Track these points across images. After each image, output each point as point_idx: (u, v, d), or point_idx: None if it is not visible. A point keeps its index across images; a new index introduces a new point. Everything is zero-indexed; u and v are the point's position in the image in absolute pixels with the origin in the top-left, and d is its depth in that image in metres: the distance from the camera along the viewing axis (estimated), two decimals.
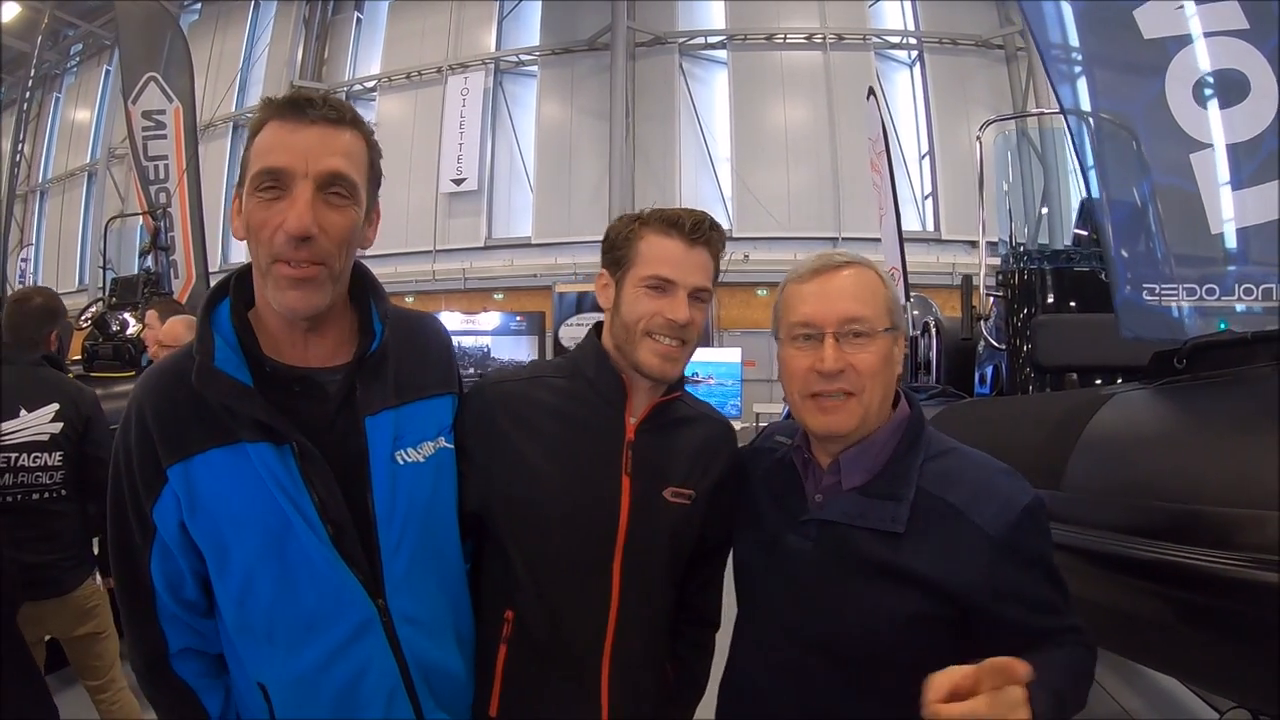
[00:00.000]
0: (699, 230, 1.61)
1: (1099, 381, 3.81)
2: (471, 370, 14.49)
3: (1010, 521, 1.36)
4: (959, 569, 1.35)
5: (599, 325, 1.77)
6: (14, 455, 3.02)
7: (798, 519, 1.51)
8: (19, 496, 3.03)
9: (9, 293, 15.41)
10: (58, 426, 3.12)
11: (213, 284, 1.51)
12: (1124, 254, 2.41)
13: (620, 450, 1.63)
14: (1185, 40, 2.36)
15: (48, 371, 3.28)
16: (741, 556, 1.69)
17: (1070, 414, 2.22)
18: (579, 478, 1.61)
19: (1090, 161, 2.49)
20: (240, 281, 1.47)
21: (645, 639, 1.67)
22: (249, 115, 21.01)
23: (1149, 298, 2.34)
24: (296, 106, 1.34)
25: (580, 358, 1.74)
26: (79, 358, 6.30)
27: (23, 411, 3.08)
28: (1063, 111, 2.56)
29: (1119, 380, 3.66)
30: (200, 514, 1.37)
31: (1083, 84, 2.52)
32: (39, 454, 3.07)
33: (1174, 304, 2.32)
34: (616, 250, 1.67)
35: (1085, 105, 2.51)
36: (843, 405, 1.43)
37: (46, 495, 3.09)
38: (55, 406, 3.14)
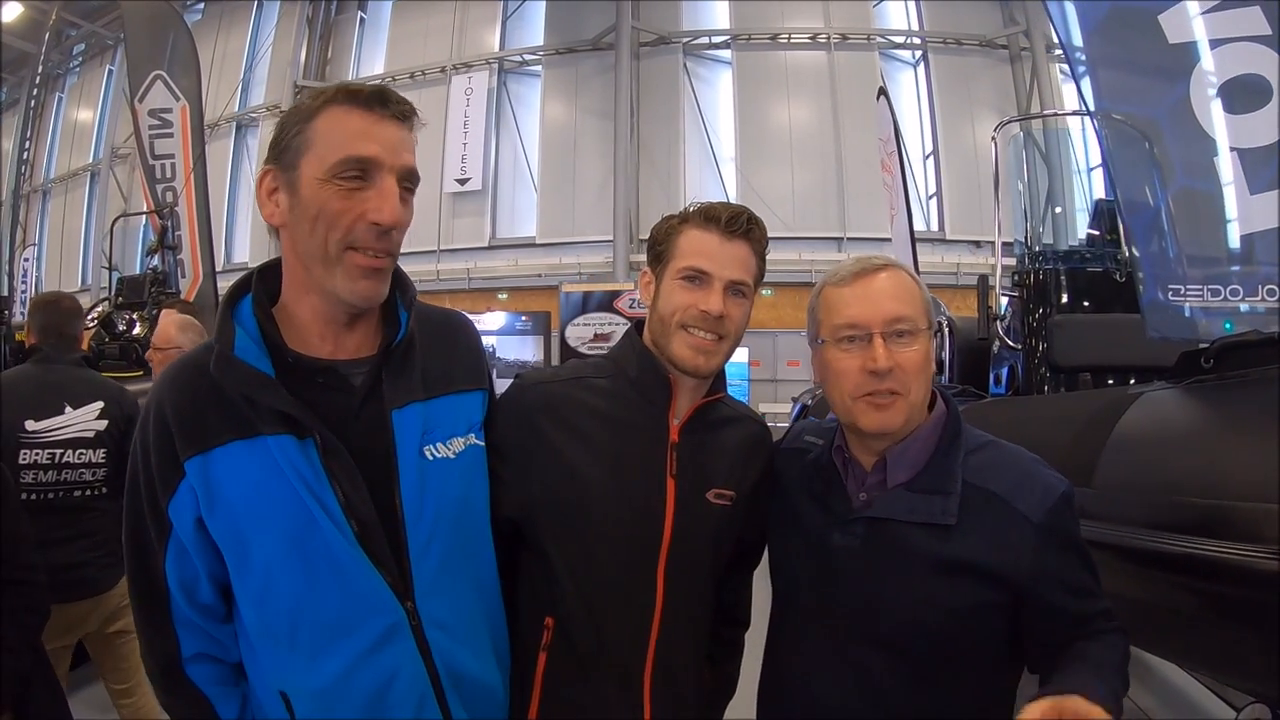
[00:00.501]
0: (735, 223, 1.58)
1: (1110, 381, 3.84)
2: None
3: (1051, 507, 1.41)
4: (1008, 554, 1.40)
5: (639, 324, 1.74)
6: (59, 451, 3.05)
7: (843, 518, 1.52)
8: (60, 494, 3.05)
9: (14, 292, 15.46)
10: (103, 424, 3.16)
11: (228, 282, 1.47)
12: (1150, 255, 2.44)
13: (665, 452, 1.60)
14: (1210, 44, 2.38)
15: (86, 371, 3.33)
16: (780, 557, 1.69)
17: (1099, 413, 2.25)
18: (623, 481, 1.58)
19: (1114, 163, 2.50)
20: (262, 277, 1.44)
21: (687, 642, 1.63)
22: (253, 115, 21.08)
23: (1174, 299, 2.36)
24: (380, 99, 1.33)
25: (622, 357, 1.70)
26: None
27: (67, 408, 3.11)
28: (1090, 114, 2.58)
29: (1132, 380, 3.69)
30: (219, 509, 1.32)
31: (1109, 86, 2.54)
32: (84, 450, 3.10)
33: (1199, 305, 2.34)
34: (658, 246, 1.66)
35: (1110, 107, 2.53)
36: (892, 403, 1.45)
37: (88, 493, 3.11)
38: (100, 404, 3.18)
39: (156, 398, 1.38)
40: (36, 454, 3.01)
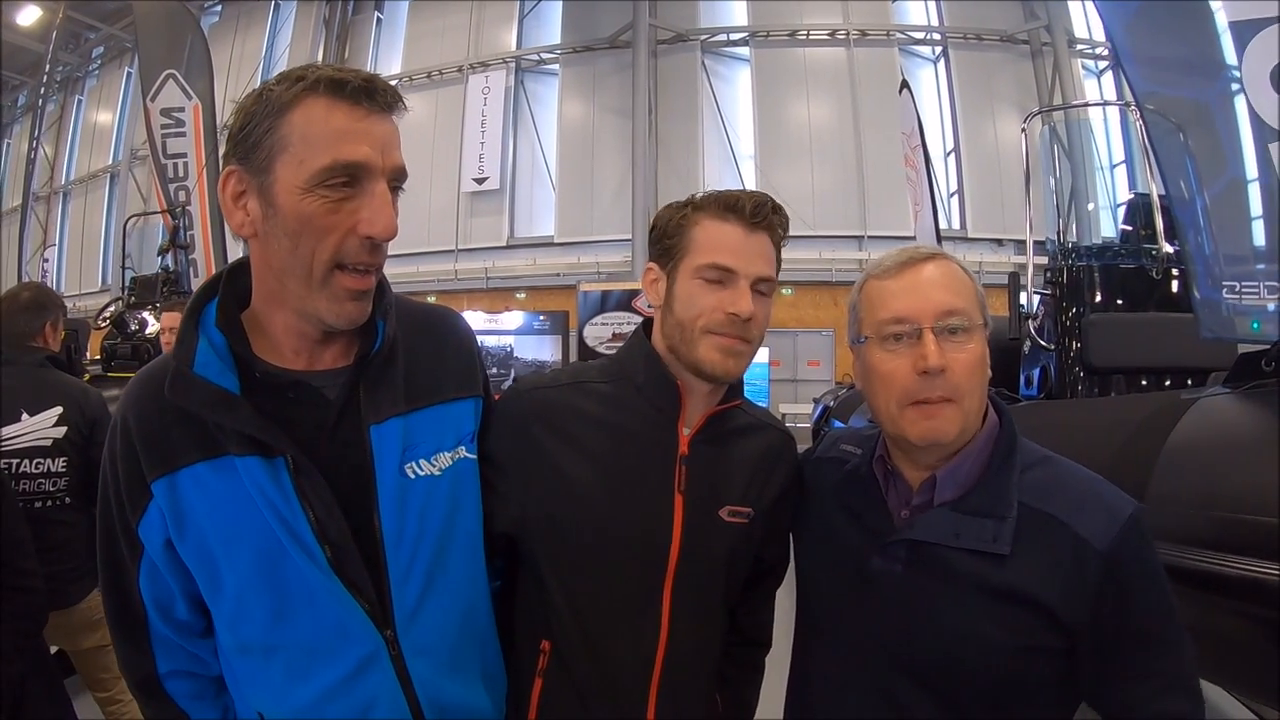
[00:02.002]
0: (760, 213, 1.43)
1: (1144, 383, 3.70)
2: (494, 370, 14.47)
3: (1118, 533, 1.23)
4: (1068, 587, 1.23)
5: (647, 324, 1.61)
6: (15, 462, 2.87)
7: (883, 539, 1.37)
8: (19, 506, 2.89)
9: None
10: (61, 431, 2.96)
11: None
12: (1204, 251, 2.29)
13: (672, 465, 1.47)
14: (1261, 25, 2.24)
15: (50, 373, 3.12)
16: (810, 575, 1.55)
17: (1151, 421, 2.11)
18: (626, 496, 1.45)
19: (1164, 157, 2.35)
20: (231, 279, 1.31)
21: (696, 668, 1.52)
22: None
23: (1230, 296, 2.21)
24: (367, 91, 1.17)
25: (627, 360, 1.57)
26: (98, 357, 6.30)
27: (24, 415, 2.93)
28: (1136, 104, 2.43)
29: (1167, 383, 3.55)
30: (188, 532, 1.23)
31: (1154, 74, 2.40)
32: (41, 460, 2.92)
33: (1258, 303, 2.19)
34: (667, 239, 1.50)
35: (1157, 90, 2.39)
36: (942, 410, 1.29)
37: (50, 504, 2.93)
38: (59, 410, 2.98)
39: (122, 412, 1.28)
40: None
